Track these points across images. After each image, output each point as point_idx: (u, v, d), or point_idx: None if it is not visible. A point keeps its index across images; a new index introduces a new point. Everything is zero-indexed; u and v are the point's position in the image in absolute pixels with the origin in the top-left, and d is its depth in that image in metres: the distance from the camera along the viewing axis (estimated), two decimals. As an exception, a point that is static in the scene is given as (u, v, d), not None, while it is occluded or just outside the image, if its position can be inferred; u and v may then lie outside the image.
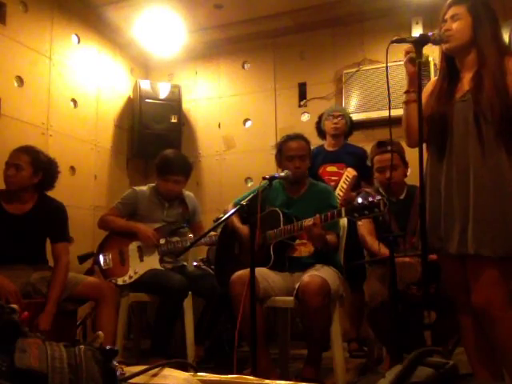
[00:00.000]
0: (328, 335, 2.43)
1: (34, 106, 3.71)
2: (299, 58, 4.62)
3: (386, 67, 2.13)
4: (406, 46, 1.94)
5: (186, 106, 4.90)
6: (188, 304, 2.87)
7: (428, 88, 2.06)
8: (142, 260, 3.02)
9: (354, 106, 4.24)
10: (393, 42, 1.90)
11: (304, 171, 2.73)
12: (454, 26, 1.91)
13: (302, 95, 4.57)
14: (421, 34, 1.90)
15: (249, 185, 4.57)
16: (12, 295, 2.36)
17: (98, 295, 2.66)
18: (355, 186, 3.38)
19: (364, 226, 2.80)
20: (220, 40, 4.78)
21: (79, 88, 4.17)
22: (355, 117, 4.22)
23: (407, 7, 4.09)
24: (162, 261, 3.04)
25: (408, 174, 2.89)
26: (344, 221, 2.73)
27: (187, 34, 4.52)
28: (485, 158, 1.81)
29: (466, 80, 1.91)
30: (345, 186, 3.35)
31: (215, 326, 3.26)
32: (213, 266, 3.41)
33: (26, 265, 2.64)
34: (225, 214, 2.44)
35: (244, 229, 2.72)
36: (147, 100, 4.57)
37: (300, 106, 4.57)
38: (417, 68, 1.89)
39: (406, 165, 2.84)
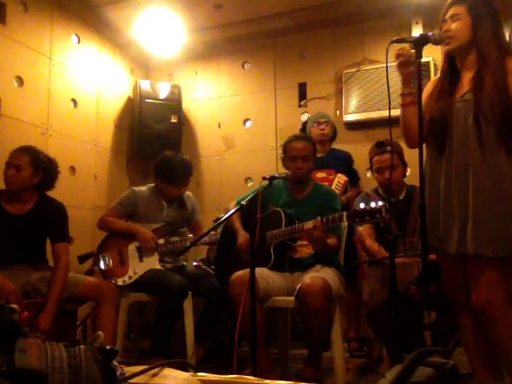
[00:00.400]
0: (328, 336, 2.43)
1: (34, 105, 3.71)
2: (299, 57, 4.62)
3: (386, 67, 2.12)
4: (397, 50, 1.94)
5: (186, 105, 4.90)
6: (188, 304, 2.87)
7: (428, 88, 2.06)
8: (141, 260, 3.02)
9: (354, 106, 4.24)
10: (393, 41, 1.90)
11: (305, 172, 2.71)
12: (454, 26, 1.90)
13: (302, 95, 4.57)
14: (421, 34, 1.90)
15: (249, 185, 4.57)
16: (12, 295, 2.36)
17: (98, 295, 2.66)
18: (345, 191, 3.48)
19: (363, 228, 2.80)
20: (220, 40, 4.78)
21: (79, 88, 4.17)
22: (355, 117, 4.23)
23: (407, 7, 4.09)
24: (161, 261, 3.04)
25: (407, 174, 2.89)
26: (344, 223, 2.72)
27: (187, 33, 4.52)
28: (484, 158, 1.80)
29: (467, 80, 1.91)
30: (337, 192, 3.35)
31: (215, 326, 3.26)
32: (213, 266, 3.41)
33: (26, 265, 2.64)
34: (226, 213, 2.43)
35: (242, 234, 2.71)
36: (147, 100, 4.57)
37: (300, 105, 4.57)
38: (411, 69, 1.90)
39: (404, 165, 2.84)
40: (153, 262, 3.01)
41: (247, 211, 2.23)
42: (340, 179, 3.48)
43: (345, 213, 2.33)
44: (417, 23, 4.11)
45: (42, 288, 2.59)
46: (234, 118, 4.79)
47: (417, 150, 1.79)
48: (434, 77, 3.76)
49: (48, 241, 2.75)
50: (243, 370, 2.25)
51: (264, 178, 2.49)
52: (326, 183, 3.41)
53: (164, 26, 4.34)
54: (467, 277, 1.87)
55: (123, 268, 3.00)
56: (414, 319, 2.48)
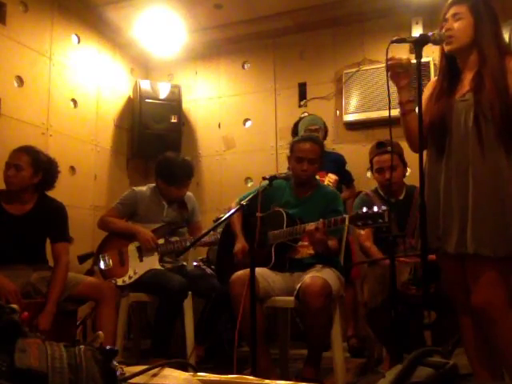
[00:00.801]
0: (328, 336, 2.43)
1: (34, 106, 3.71)
2: (299, 57, 4.62)
3: (386, 67, 2.12)
4: (388, 62, 1.92)
5: (186, 106, 4.90)
6: (188, 304, 2.87)
7: (427, 91, 2.05)
8: (141, 260, 3.02)
9: (354, 106, 4.24)
10: (393, 41, 1.90)
11: (310, 175, 2.68)
12: (456, 25, 1.90)
13: (302, 95, 4.57)
14: (421, 34, 1.90)
15: (249, 185, 4.57)
16: (12, 295, 2.36)
17: (98, 295, 2.66)
18: (337, 190, 3.49)
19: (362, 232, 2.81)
20: (220, 40, 4.78)
21: (79, 88, 4.17)
22: (355, 117, 4.23)
23: (407, 7, 4.09)
24: (161, 261, 3.04)
25: (407, 174, 2.89)
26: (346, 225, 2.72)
27: (187, 33, 4.52)
28: (484, 158, 1.80)
29: (467, 80, 1.91)
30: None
31: (215, 326, 3.26)
32: (213, 266, 3.42)
33: (26, 265, 2.63)
34: (228, 211, 2.43)
35: (239, 240, 2.70)
36: (147, 100, 4.56)
37: (300, 105, 4.57)
38: (406, 79, 1.90)
39: (405, 165, 2.84)
40: (153, 262, 3.01)
41: (247, 211, 2.23)
42: (330, 178, 3.56)
43: (347, 216, 2.32)
44: (417, 23, 4.11)
45: (42, 288, 2.58)
46: (234, 118, 4.79)
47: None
48: (433, 77, 3.77)
49: (48, 241, 2.75)
50: (243, 370, 2.25)
51: (264, 178, 2.49)
52: None
53: (164, 25, 4.33)
54: (467, 277, 1.87)
55: (123, 268, 3.00)
56: (413, 319, 2.48)
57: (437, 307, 2.41)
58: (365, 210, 2.21)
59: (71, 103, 4.09)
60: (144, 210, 3.12)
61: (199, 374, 1.08)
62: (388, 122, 1.92)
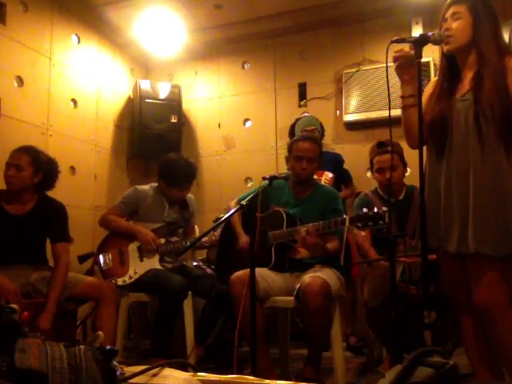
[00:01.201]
0: (328, 335, 2.43)
1: (34, 105, 3.71)
2: (299, 57, 4.62)
3: (386, 67, 2.12)
4: (395, 52, 1.94)
5: (186, 105, 4.90)
6: (188, 304, 2.87)
7: (427, 91, 2.06)
8: (141, 260, 3.02)
9: (354, 106, 4.24)
10: (393, 41, 1.90)
11: (309, 173, 2.70)
12: (454, 25, 1.90)
13: (302, 95, 4.57)
14: (421, 34, 1.90)
15: (249, 185, 4.57)
16: (12, 295, 2.35)
17: (98, 295, 2.66)
18: (335, 188, 3.52)
19: (359, 234, 2.81)
20: (220, 40, 4.78)
21: (79, 88, 4.17)
22: (355, 117, 4.24)
23: (407, 7, 4.09)
24: (161, 261, 3.04)
25: (406, 174, 2.89)
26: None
27: (187, 33, 4.53)
28: (484, 158, 1.80)
29: (467, 80, 1.91)
30: None
31: (215, 326, 3.26)
32: (213, 266, 3.42)
33: (26, 265, 2.63)
34: (227, 211, 2.43)
35: (242, 237, 2.71)
36: (147, 100, 4.57)
37: (300, 105, 4.57)
38: (411, 71, 1.90)
39: (405, 165, 2.84)
40: (153, 262, 3.01)
41: (247, 211, 2.22)
42: (326, 176, 3.64)
43: (347, 217, 2.32)
44: (417, 23, 4.11)
45: (42, 288, 2.58)
46: (234, 118, 4.79)
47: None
48: (433, 77, 3.77)
49: (48, 241, 2.74)
50: (243, 370, 2.25)
51: (264, 178, 2.49)
52: None
53: (164, 26, 4.34)
54: (467, 276, 1.87)
55: (123, 268, 2.99)
56: (414, 319, 2.48)
57: (437, 307, 2.41)
58: (365, 211, 2.21)
59: (71, 103, 4.09)
60: (145, 209, 3.11)
61: (199, 373, 1.08)
62: (388, 122, 1.92)
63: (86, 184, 4.20)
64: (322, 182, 3.54)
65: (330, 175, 3.65)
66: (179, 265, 3.14)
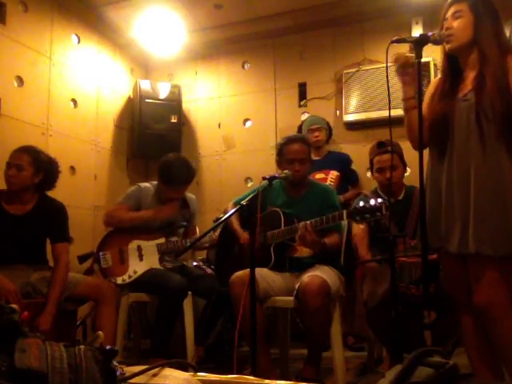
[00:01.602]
0: (328, 335, 2.43)
1: (34, 106, 3.71)
2: (299, 57, 4.62)
3: (386, 67, 2.12)
4: (395, 55, 1.94)
5: (186, 105, 4.90)
6: (188, 304, 2.87)
7: (429, 90, 2.05)
8: (141, 259, 3.02)
9: (354, 106, 4.24)
10: (393, 42, 1.89)
11: (303, 174, 2.71)
12: (455, 24, 1.89)
13: (302, 95, 4.57)
14: (421, 34, 1.90)
15: (249, 185, 4.57)
16: (12, 295, 2.35)
17: (98, 295, 2.66)
18: (341, 188, 3.65)
19: (357, 232, 2.81)
20: (220, 40, 4.78)
21: (79, 88, 4.17)
22: (355, 117, 4.23)
23: (407, 7, 4.09)
24: (161, 260, 3.04)
25: (406, 174, 2.89)
26: (344, 221, 2.72)
27: (187, 33, 4.52)
28: (486, 158, 1.80)
29: (469, 79, 1.90)
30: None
31: (215, 326, 3.26)
32: (213, 266, 3.42)
33: (26, 265, 2.63)
34: (225, 213, 2.44)
35: (240, 233, 2.72)
36: (147, 100, 4.57)
37: (300, 105, 4.58)
38: (411, 73, 1.90)
39: (404, 165, 2.84)
40: (153, 261, 3.00)
41: (247, 211, 2.22)
42: (332, 175, 3.70)
43: (345, 211, 2.33)
44: (417, 23, 4.11)
45: (42, 288, 2.58)
46: (234, 118, 4.79)
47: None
48: (433, 77, 3.77)
49: (48, 241, 2.74)
50: (243, 370, 2.25)
51: (264, 178, 2.49)
52: (324, 183, 3.52)
53: (164, 25, 4.34)
54: (468, 276, 1.87)
55: (123, 266, 2.99)
56: (414, 319, 2.48)
57: (437, 307, 2.41)
58: (361, 204, 2.22)
59: (71, 103, 4.09)
60: (147, 207, 3.10)
61: (199, 373, 1.08)
62: (388, 122, 1.92)
63: (86, 184, 4.20)
64: (328, 181, 3.60)
65: (336, 174, 3.69)
66: (179, 265, 3.14)
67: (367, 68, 4.24)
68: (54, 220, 2.69)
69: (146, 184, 3.20)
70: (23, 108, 3.60)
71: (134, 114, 4.64)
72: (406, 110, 2.00)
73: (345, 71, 4.32)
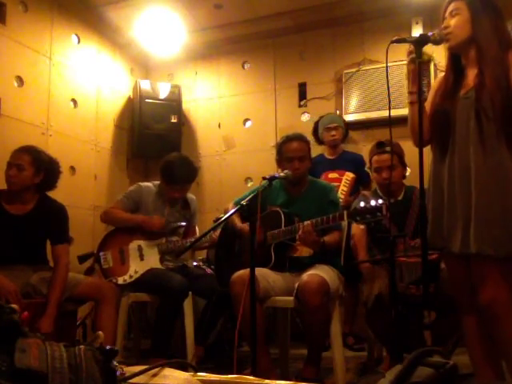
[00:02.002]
0: (327, 334, 2.43)
1: (34, 106, 3.71)
2: (299, 58, 4.62)
3: (386, 67, 2.13)
4: (410, 47, 1.93)
5: (186, 106, 4.90)
6: (188, 304, 2.87)
7: (434, 86, 2.05)
8: (142, 259, 3.02)
9: (354, 106, 4.24)
10: (393, 42, 1.89)
11: (303, 172, 2.72)
12: (453, 22, 1.89)
13: (302, 95, 4.57)
14: (421, 34, 1.90)
15: (249, 185, 4.58)
16: (12, 295, 2.35)
17: (99, 295, 2.66)
18: (354, 189, 3.60)
19: (357, 235, 2.81)
20: (220, 40, 4.78)
21: (79, 88, 4.17)
22: (355, 117, 4.24)
23: (407, 7, 4.09)
24: (162, 260, 3.04)
25: (407, 174, 2.89)
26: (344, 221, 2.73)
27: (187, 33, 4.52)
28: (486, 156, 1.79)
29: (471, 77, 1.89)
30: (345, 189, 3.61)
31: (215, 326, 3.26)
32: (213, 266, 3.42)
33: (26, 265, 2.63)
34: (225, 213, 2.44)
35: (245, 227, 2.72)
36: (147, 100, 4.57)
37: (300, 105, 4.58)
38: (417, 68, 1.89)
39: (404, 166, 2.84)
40: (154, 261, 3.01)
41: (247, 211, 2.22)
42: (348, 176, 3.65)
43: (345, 211, 2.33)
44: (417, 23, 4.11)
45: (42, 289, 2.58)
46: (234, 118, 4.79)
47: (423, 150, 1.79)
48: (433, 77, 3.76)
49: (48, 241, 2.74)
50: (243, 370, 2.24)
51: (264, 178, 2.49)
52: (337, 183, 3.58)
53: (164, 25, 4.34)
54: (471, 276, 1.87)
55: (124, 267, 2.99)
56: (413, 319, 2.48)
57: (437, 307, 2.41)
58: (362, 204, 2.22)
59: (71, 103, 4.09)
60: (147, 207, 3.10)
61: (199, 373, 1.08)
62: (388, 122, 1.92)
63: (86, 184, 4.20)
64: (343, 182, 3.60)
65: (352, 175, 3.66)
66: (180, 265, 3.14)
67: (367, 68, 4.24)
68: (54, 221, 2.69)
69: (148, 184, 3.20)
70: (23, 108, 3.60)
71: (134, 114, 4.64)
72: (410, 103, 1.99)
73: (345, 71, 4.32)
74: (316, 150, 3.86)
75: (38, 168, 2.64)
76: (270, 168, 4.32)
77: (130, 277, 2.95)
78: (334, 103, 4.43)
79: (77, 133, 4.12)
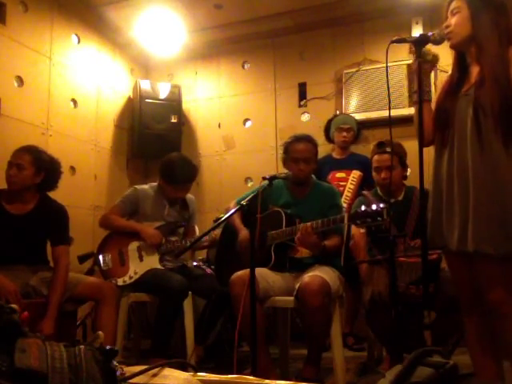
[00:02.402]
0: (328, 335, 2.43)
1: (34, 105, 3.71)
2: (299, 58, 4.62)
3: (386, 67, 2.13)
4: (410, 47, 1.94)
5: (186, 106, 4.90)
6: (188, 304, 2.87)
7: (441, 85, 2.05)
8: (141, 260, 3.02)
9: (354, 106, 4.24)
10: (393, 41, 1.89)
11: (308, 174, 2.71)
12: (453, 20, 1.88)
13: (302, 95, 4.57)
14: (421, 34, 1.90)
15: (249, 185, 4.57)
16: (12, 295, 2.35)
17: (99, 295, 2.66)
18: (361, 187, 3.56)
19: (356, 231, 2.81)
20: (220, 40, 4.78)
21: (79, 88, 4.17)
22: (355, 117, 4.22)
23: (407, 7, 4.09)
24: (162, 260, 3.04)
25: (407, 174, 2.89)
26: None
27: (187, 33, 4.52)
28: (483, 154, 1.78)
29: (474, 74, 1.89)
30: (352, 187, 3.60)
31: (215, 326, 3.26)
32: (213, 266, 3.42)
33: (26, 265, 2.63)
34: (226, 212, 2.43)
35: (243, 232, 2.72)
36: (147, 100, 4.56)
37: (300, 105, 4.57)
38: (427, 67, 1.90)
39: (404, 166, 2.84)
40: (153, 262, 3.01)
41: (247, 211, 2.23)
42: (355, 174, 3.66)
43: (346, 214, 2.33)
44: (417, 23, 4.11)
45: (42, 289, 2.58)
46: (234, 118, 4.79)
47: (427, 148, 1.79)
48: (433, 77, 3.76)
49: (48, 242, 2.74)
50: (243, 370, 2.24)
51: (264, 178, 2.49)
52: (345, 183, 3.60)
53: (164, 25, 4.34)
54: (476, 276, 1.86)
55: (123, 268, 2.99)
56: (413, 319, 2.48)
57: (436, 307, 2.41)
58: (363, 208, 2.21)
59: (71, 103, 4.09)
60: (145, 209, 3.11)
61: (199, 373, 1.08)
62: (388, 122, 1.92)
63: (86, 184, 4.20)
64: (350, 181, 3.60)
65: (358, 173, 3.66)
66: (180, 265, 3.14)
67: (367, 68, 4.24)
68: (54, 222, 2.69)
69: (144, 186, 3.21)
70: (23, 108, 3.60)
71: (134, 114, 4.64)
72: (415, 102, 1.99)
73: (345, 71, 4.32)
74: (325, 149, 3.87)
75: (39, 168, 2.64)
76: (270, 168, 4.33)
77: (130, 278, 2.95)
78: (334, 103, 4.43)
79: (77, 133, 4.11)
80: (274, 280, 2.51)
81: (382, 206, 2.16)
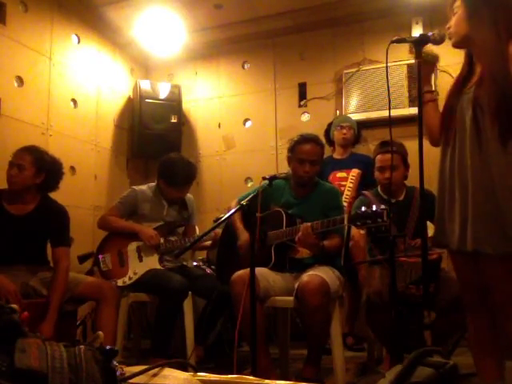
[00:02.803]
0: (327, 335, 2.43)
1: (34, 106, 3.70)
2: (299, 58, 4.62)
3: (386, 67, 2.13)
4: (410, 47, 1.95)
5: (186, 106, 4.90)
6: (188, 304, 2.87)
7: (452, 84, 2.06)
8: (141, 260, 3.02)
9: (354, 106, 4.24)
10: (393, 41, 1.89)
11: (312, 176, 2.68)
12: (453, 20, 1.89)
13: (302, 95, 4.57)
14: (421, 34, 1.90)
15: (249, 185, 4.57)
16: (12, 295, 2.35)
17: (99, 295, 2.66)
18: (361, 185, 3.58)
19: (356, 232, 2.81)
20: (220, 40, 4.78)
21: (79, 88, 4.17)
22: (355, 117, 4.23)
23: (407, 7, 4.09)
24: (161, 260, 3.04)
25: (408, 174, 2.89)
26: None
27: (187, 33, 4.52)
28: (481, 153, 1.78)
29: (477, 72, 1.89)
30: (351, 185, 3.61)
31: (215, 326, 3.26)
32: (213, 266, 3.41)
33: (26, 266, 2.63)
34: (228, 211, 2.43)
35: (242, 237, 2.71)
36: (147, 100, 4.56)
37: (300, 105, 4.57)
38: (431, 68, 1.90)
39: (406, 167, 2.84)
40: (153, 262, 3.01)
41: (247, 211, 2.23)
42: (354, 173, 3.67)
43: (346, 215, 2.32)
44: (417, 23, 4.11)
45: (43, 290, 2.58)
46: (234, 118, 4.79)
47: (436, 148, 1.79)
48: (433, 77, 3.76)
49: (48, 242, 2.74)
50: (243, 370, 2.25)
51: (264, 178, 2.49)
52: (345, 182, 3.61)
53: (164, 25, 4.33)
54: (483, 276, 1.84)
55: (123, 269, 2.99)
56: (413, 319, 2.48)
57: (436, 307, 2.41)
58: (363, 209, 2.21)
59: (71, 103, 4.09)
60: (144, 209, 3.11)
61: (199, 373, 1.08)
62: (388, 122, 1.92)
63: (86, 184, 4.20)
64: (349, 179, 3.61)
65: (357, 171, 3.67)
66: (179, 265, 3.14)
67: (367, 68, 4.24)
68: (54, 223, 2.68)
69: (142, 187, 3.21)
70: (23, 108, 3.60)
71: (134, 114, 4.64)
72: (422, 103, 1.98)
73: (345, 71, 4.32)
74: (325, 151, 3.88)
75: (40, 168, 2.63)
76: (270, 168, 4.34)
77: (130, 278, 2.95)
78: (334, 103, 4.43)
79: (77, 133, 4.11)
80: (275, 280, 2.51)
81: (382, 207, 2.15)
